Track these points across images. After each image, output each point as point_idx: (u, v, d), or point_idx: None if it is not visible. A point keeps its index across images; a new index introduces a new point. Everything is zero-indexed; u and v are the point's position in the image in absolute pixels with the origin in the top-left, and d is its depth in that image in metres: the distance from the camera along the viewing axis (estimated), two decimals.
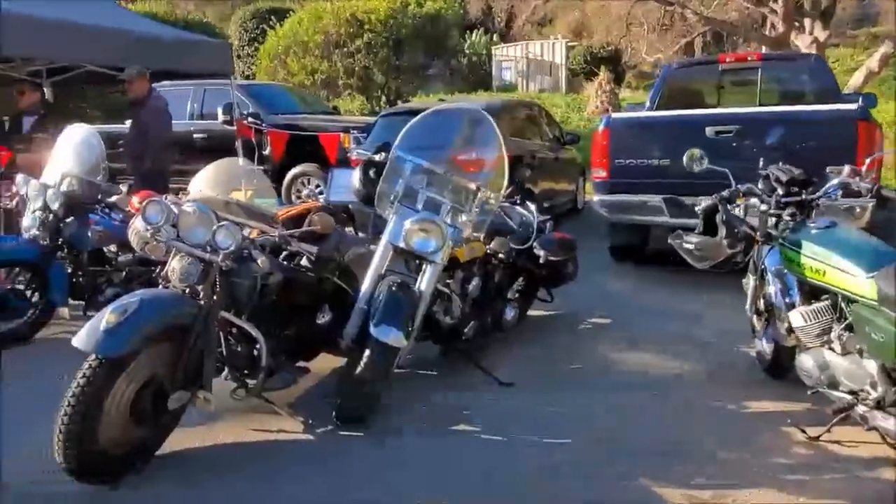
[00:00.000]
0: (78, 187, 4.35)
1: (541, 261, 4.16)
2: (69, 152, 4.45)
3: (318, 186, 8.81)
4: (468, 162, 3.50)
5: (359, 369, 2.93)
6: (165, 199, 2.92)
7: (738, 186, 3.25)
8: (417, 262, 3.34)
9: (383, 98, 12.15)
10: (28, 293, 4.31)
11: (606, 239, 6.02)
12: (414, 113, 7.42)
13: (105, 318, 2.45)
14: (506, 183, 3.42)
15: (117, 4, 6.71)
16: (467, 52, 19.36)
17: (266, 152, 8.80)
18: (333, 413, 3.06)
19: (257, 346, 3.04)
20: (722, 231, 3.18)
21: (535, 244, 4.08)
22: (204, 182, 3.10)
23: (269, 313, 3.18)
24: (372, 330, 2.88)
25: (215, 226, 2.74)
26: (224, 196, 2.98)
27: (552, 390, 3.51)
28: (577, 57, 20.39)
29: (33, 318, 4.35)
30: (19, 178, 4.38)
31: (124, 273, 4.76)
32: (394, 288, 3.07)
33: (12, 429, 3.05)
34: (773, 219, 3.05)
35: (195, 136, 8.96)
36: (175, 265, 2.78)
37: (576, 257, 4.53)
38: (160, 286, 2.91)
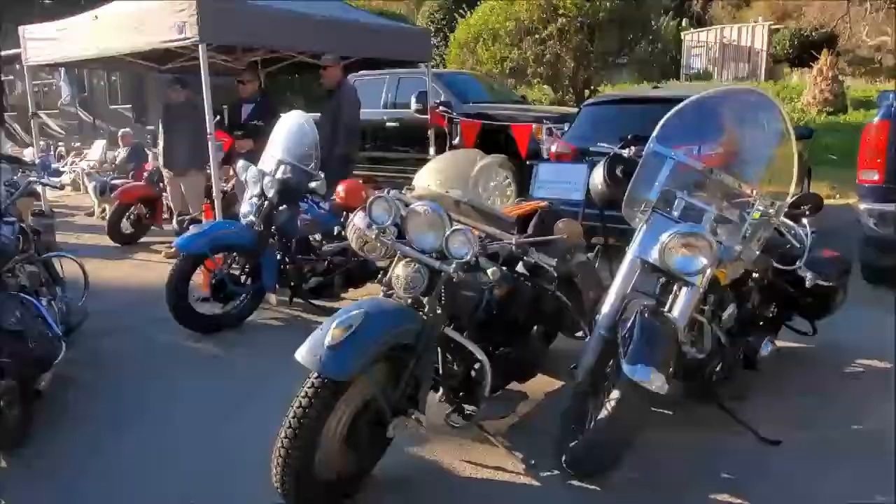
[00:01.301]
0: (292, 175, 4.22)
1: (807, 285, 3.27)
2: (284, 139, 4.33)
3: (506, 179, 8.34)
4: (739, 160, 2.75)
5: (604, 413, 2.35)
6: (388, 192, 2.54)
7: None
8: (664, 280, 2.67)
9: (570, 87, 11.39)
10: (242, 278, 4.27)
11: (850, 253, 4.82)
12: (620, 102, 6.75)
13: (330, 332, 2.11)
14: (793, 187, 2.62)
15: None
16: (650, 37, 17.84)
17: (455, 142, 8.51)
18: (563, 458, 2.51)
19: (475, 366, 2.59)
20: None
21: (802, 264, 3.21)
22: (433, 176, 2.67)
23: (487, 329, 2.72)
24: (625, 368, 2.27)
25: (448, 230, 2.29)
26: (457, 193, 2.54)
27: (832, 456, 2.69)
28: (783, 41, 17.96)
29: (244, 302, 4.32)
30: (240, 163, 4.34)
31: (326, 262, 4.63)
32: (647, 315, 2.44)
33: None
34: None
35: (387, 124, 8.90)
36: (399, 272, 2.38)
37: (846, 283, 3.57)
38: (381, 293, 2.53)
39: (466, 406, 2.62)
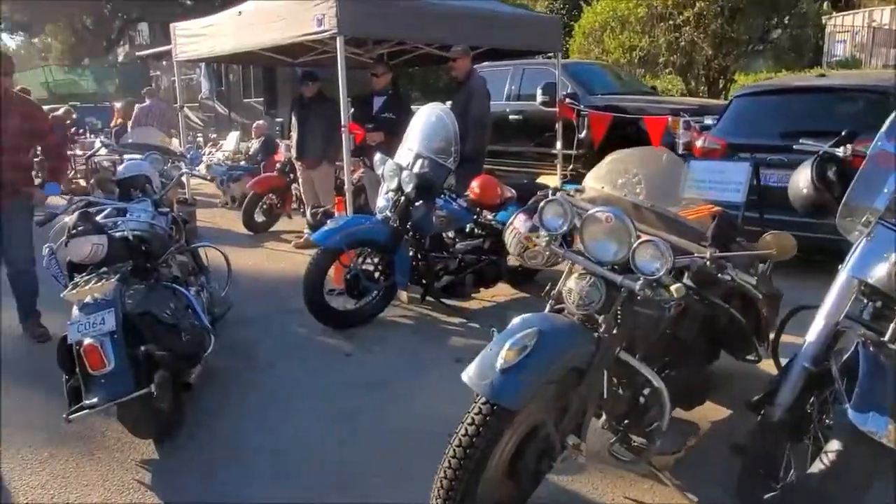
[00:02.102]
0: (429, 169, 4.03)
1: None
2: (422, 132, 4.15)
3: (635, 176, 7.77)
4: None
5: (820, 467, 1.93)
6: (556, 193, 2.24)
7: None
8: (879, 304, 2.20)
9: (704, 77, 10.52)
10: (375, 274, 4.14)
11: None
12: (778, 92, 6.02)
13: (502, 354, 1.85)
14: None
15: None
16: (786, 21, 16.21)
17: (582, 136, 8.07)
18: None
19: (645, 391, 2.26)
20: None
21: None
22: (608, 176, 2.35)
23: (660, 350, 2.37)
24: (852, 415, 1.85)
25: (635, 241, 1.97)
26: (636, 198, 2.20)
27: None
28: None
29: (377, 298, 4.20)
30: (377, 157, 4.21)
31: (458, 260, 4.42)
32: (871, 349, 1.99)
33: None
34: None
35: (510, 117, 8.60)
36: (573, 286, 2.09)
37: None
38: (547, 307, 2.25)
39: (634, 437, 2.30)
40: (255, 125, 9.95)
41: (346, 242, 3.90)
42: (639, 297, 2.01)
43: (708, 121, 6.51)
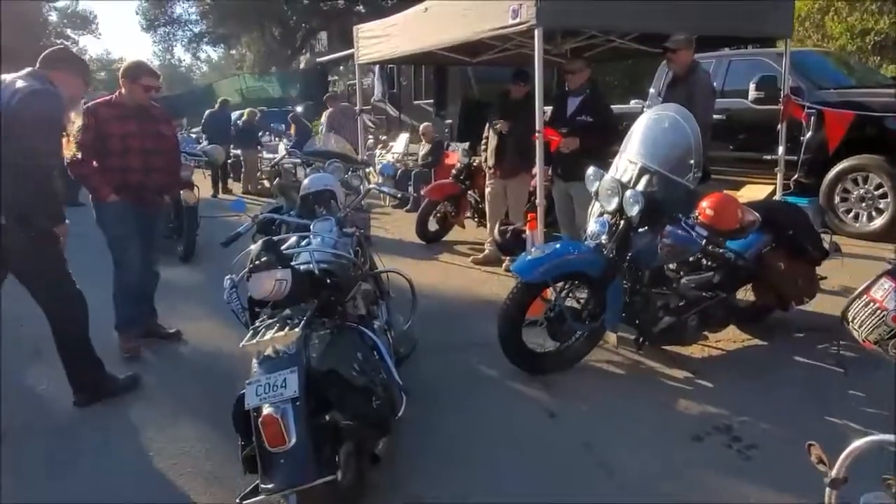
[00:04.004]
0: (660, 187, 3.16)
1: None
2: (651, 140, 3.29)
3: (879, 187, 6.24)
4: None
5: None
6: None
7: None
8: None
9: None
10: (582, 313, 3.37)
11: None
12: None
13: None
14: None
15: None
16: None
17: (807, 136, 6.64)
18: None
19: None
20: None
21: None
22: None
23: None
24: None
25: None
26: None
27: None
28: None
29: (580, 340, 3.43)
30: (591, 170, 3.41)
31: (682, 299, 3.51)
32: None
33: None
34: None
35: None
36: None
37: None
38: None
39: None
40: (422, 127, 9.61)
41: (552, 276, 3.17)
42: None
43: None
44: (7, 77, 2.82)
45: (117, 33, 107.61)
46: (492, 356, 3.47)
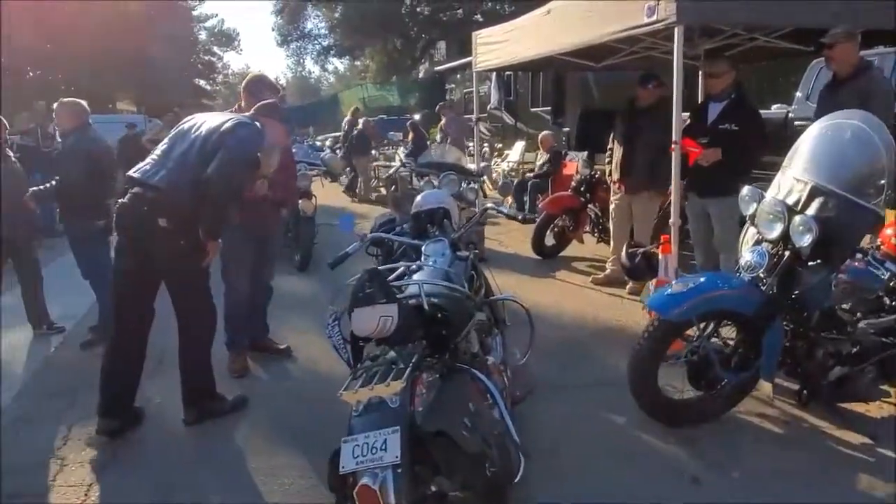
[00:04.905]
0: (839, 212, 2.56)
1: None
2: (824, 155, 2.69)
3: None
4: None
5: None
6: None
7: None
8: None
9: None
10: (732, 359, 2.82)
11: None
12: None
13: None
14: None
15: None
16: None
17: None
18: None
19: None
20: None
21: None
22: None
23: None
24: None
25: None
26: None
27: None
28: None
29: (728, 389, 2.87)
30: (745, 190, 2.85)
31: (857, 346, 2.85)
32: None
33: None
34: None
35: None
36: None
37: None
38: None
39: None
40: (541, 136, 9.15)
41: (697, 314, 2.67)
42: None
43: None
44: (220, 114, 3.18)
45: (256, 48, 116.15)
46: (619, 399, 3.01)
